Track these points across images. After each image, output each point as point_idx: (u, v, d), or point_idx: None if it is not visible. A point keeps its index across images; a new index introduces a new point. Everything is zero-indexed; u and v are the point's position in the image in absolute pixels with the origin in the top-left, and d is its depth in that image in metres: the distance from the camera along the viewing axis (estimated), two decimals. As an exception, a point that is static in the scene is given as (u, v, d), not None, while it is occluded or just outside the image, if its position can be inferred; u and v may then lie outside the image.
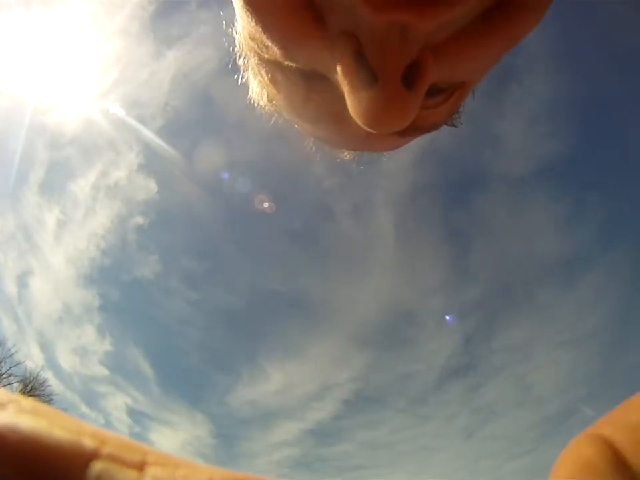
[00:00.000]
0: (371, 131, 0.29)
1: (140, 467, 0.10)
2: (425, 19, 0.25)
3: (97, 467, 0.10)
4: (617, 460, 0.12)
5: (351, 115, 0.29)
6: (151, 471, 0.10)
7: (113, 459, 0.10)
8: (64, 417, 0.11)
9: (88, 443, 0.10)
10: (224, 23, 0.41)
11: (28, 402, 0.11)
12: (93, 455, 0.10)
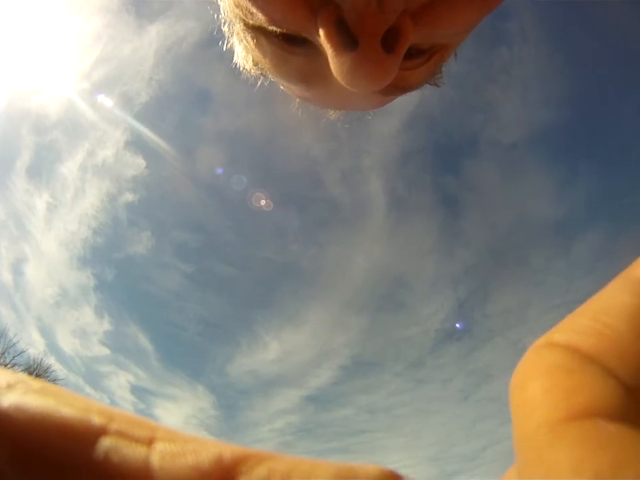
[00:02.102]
0: (353, 90, 0.31)
1: (148, 442, 0.10)
2: None
3: (105, 443, 0.10)
4: (585, 359, 0.11)
5: (334, 75, 0.31)
6: (159, 446, 0.10)
7: (121, 435, 0.10)
8: (72, 395, 0.11)
9: (96, 419, 0.10)
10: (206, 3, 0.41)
11: (36, 382, 0.11)
12: (101, 432, 0.10)
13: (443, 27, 0.32)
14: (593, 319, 0.12)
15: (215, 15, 0.41)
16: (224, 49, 0.44)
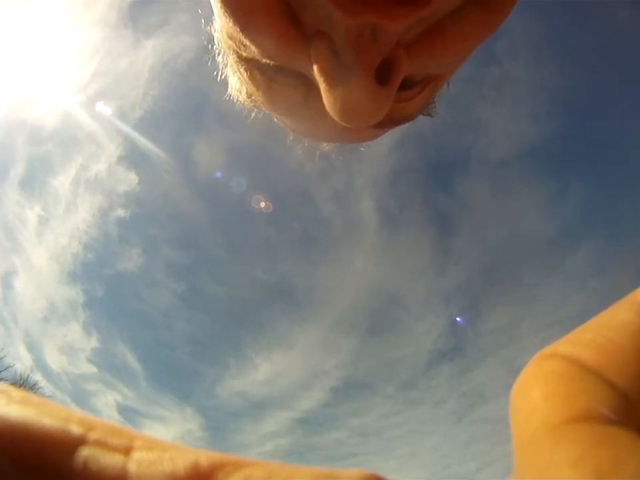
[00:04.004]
0: (347, 125, 0.31)
1: (126, 451, 0.10)
2: (393, 21, 0.27)
3: (84, 452, 0.10)
4: (585, 369, 0.12)
5: (327, 110, 0.31)
6: (136, 454, 0.10)
7: (99, 444, 0.10)
8: (53, 405, 0.11)
9: (75, 429, 0.10)
10: (202, 20, 0.42)
11: (17, 392, 0.11)
12: (80, 441, 0.10)
13: (437, 58, 0.32)
14: (596, 333, 0.13)
15: (210, 46, 0.42)
16: (219, 74, 0.44)
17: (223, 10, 0.30)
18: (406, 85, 0.33)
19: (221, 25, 0.36)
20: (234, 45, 0.35)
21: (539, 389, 0.12)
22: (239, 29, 0.31)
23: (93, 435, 0.10)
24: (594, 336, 0.12)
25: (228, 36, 0.35)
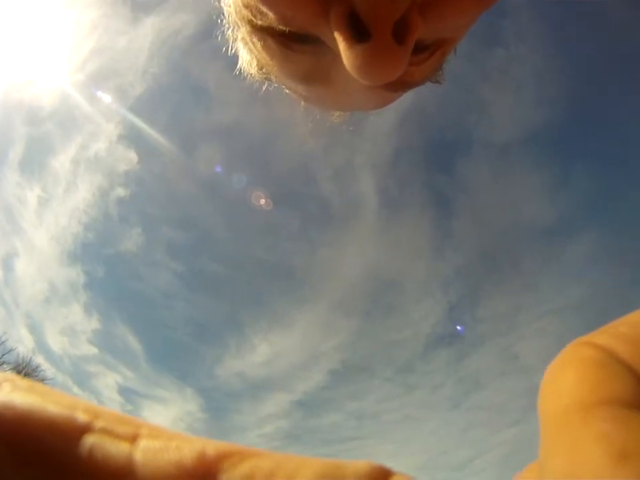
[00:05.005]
0: (365, 83, 0.32)
1: (132, 439, 0.10)
2: None
3: (89, 440, 0.10)
4: (617, 360, 0.12)
5: (347, 69, 0.32)
6: (142, 443, 0.10)
7: (105, 432, 0.10)
8: (58, 393, 0.11)
9: (81, 417, 0.10)
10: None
11: (23, 381, 0.11)
12: (85, 429, 0.10)
13: (448, 19, 0.33)
14: (632, 328, 0.13)
15: (215, 16, 0.42)
16: (219, 43, 0.45)
17: None
18: (417, 48, 0.34)
19: None
20: (249, 14, 0.35)
21: (572, 371, 0.13)
22: None
23: (98, 423, 0.10)
24: (629, 330, 0.13)
25: (243, 4, 0.35)
